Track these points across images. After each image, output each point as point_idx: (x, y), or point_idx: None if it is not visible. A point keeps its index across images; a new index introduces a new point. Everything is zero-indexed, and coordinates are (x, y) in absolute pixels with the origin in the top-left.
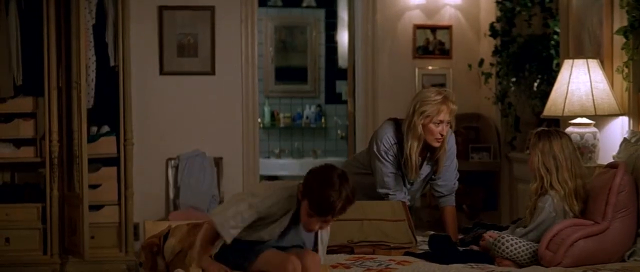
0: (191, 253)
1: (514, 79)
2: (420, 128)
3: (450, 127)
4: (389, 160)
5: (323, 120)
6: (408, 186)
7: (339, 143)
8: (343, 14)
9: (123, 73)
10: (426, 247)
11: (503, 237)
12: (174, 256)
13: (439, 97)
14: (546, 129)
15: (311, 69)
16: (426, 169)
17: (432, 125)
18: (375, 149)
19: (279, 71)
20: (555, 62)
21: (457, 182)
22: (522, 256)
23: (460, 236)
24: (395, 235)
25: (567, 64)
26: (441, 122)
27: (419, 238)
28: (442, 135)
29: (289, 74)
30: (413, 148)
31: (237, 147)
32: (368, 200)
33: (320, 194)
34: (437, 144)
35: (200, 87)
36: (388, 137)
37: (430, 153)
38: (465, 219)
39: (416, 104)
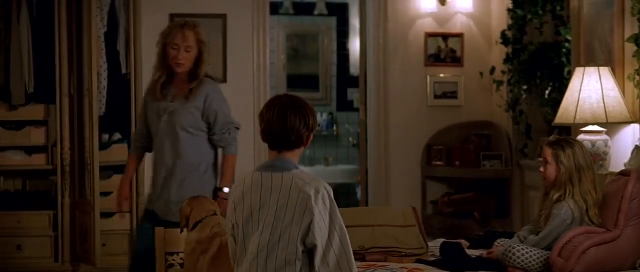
0: (204, 258)
1: (525, 87)
2: (161, 54)
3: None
4: (142, 109)
5: (335, 127)
6: (164, 117)
7: (350, 151)
8: (355, 22)
9: (135, 81)
10: (438, 253)
11: (513, 247)
12: (186, 256)
13: (178, 24)
14: (564, 138)
15: (323, 76)
16: (180, 101)
17: (169, 49)
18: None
19: (290, 79)
20: (566, 70)
21: (232, 131)
22: (533, 265)
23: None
24: (407, 240)
25: (578, 71)
26: (178, 46)
27: (430, 244)
28: (178, 60)
29: (300, 81)
30: (155, 71)
31: (249, 154)
32: None
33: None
34: (179, 69)
35: None
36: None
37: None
38: (477, 226)
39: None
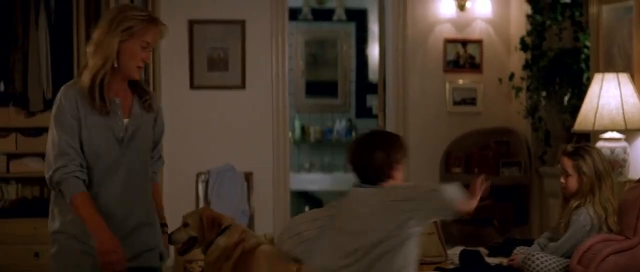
0: (227, 265)
1: (544, 93)
2: (114, 47)
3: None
4: (68, 121)
5: (353, 134)
6: (131, 140)
7: None
8: (374, 28)
9: (153, 87)
10: (457, 261)
11: (533, 255)
12: (209, 265)
13: (145, 14)
14: (582, 146)
15: (342, 83)
16: (139, 113)
17: (135, 46)
18: (54, 112)
19: (309, 85)
20: (585, 76)
21: (161, 153)
22: None
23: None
24: (426, 248)
25: (597, 78)
26: (148, 45)
27: (449, 252)
28: (145, 62)
29: (319, 88)
30: (97, 68)
31: (268, 161)
32: None
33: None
34: (137, 75)
35: (231, 102)
36: (70, 92)
37: (138, 95)
38: (495, 234)
39: (114, 19)
